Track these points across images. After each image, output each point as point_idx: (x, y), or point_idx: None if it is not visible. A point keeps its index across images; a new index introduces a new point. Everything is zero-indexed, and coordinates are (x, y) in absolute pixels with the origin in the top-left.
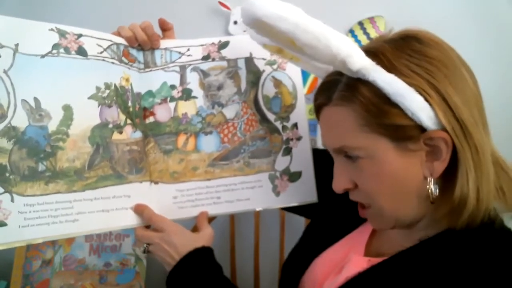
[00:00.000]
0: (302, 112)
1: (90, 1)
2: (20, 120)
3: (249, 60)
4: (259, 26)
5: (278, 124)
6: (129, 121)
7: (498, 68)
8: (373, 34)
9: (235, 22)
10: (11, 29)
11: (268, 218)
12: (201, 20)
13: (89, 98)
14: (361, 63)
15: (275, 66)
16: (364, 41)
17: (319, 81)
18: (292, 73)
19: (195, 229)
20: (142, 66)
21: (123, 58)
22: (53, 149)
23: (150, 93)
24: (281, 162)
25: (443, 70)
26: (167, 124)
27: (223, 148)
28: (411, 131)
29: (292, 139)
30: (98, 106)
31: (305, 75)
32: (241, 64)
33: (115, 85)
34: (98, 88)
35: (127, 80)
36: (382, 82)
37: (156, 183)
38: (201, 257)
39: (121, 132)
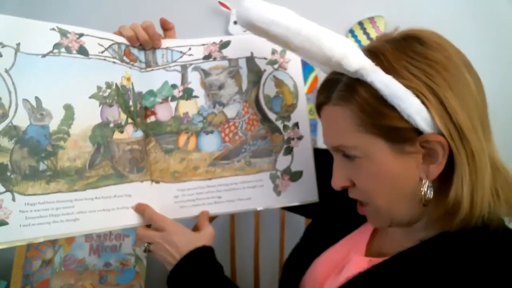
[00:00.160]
0: (303, 112)
1: (91, 1)
2: (21, 119)
3: (250, 60)
4: (254, 29)
5: (279, 124)
6: (130, 120)
7: (498, 68)
8: (373, 34)
9: (235, 22)
10: (12, 29)
11: (268, 218)
12: (201, 20)
13: (90, 97)
14: (360, 64)
15: (276, 66)
16: (364, 41)
17: (319, 81)
18: (293, 73)
19: (196, 228)
20: (143, 65)
21: (125, 58)
22: (54, 148)
23: (151, 93)
24: (282, 161)
25: (444, 73)
26: (168, 123)
27: (224, 147)
28: (407, 133)
29: (293, 139)
30: (99, 106)
31: (305, 75)
32: (242, 63)
33: (116, 84)
34: (99, 88)
35: (128, 79)
36: (380, 84)
37: (157, 182)
38: (202, 256)
39: (122, 132)
